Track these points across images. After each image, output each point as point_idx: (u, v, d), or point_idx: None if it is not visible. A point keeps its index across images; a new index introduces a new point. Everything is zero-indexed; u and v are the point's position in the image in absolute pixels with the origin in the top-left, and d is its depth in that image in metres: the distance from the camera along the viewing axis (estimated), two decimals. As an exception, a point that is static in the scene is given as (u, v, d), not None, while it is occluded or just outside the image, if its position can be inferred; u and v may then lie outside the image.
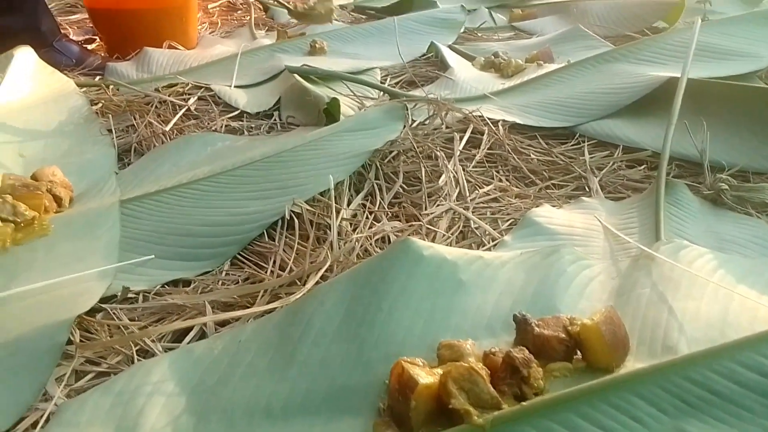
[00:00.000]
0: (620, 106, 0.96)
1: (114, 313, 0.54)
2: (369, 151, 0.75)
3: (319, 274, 0.57)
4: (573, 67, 1.10)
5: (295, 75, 1.01)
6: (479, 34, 1.58)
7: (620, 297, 0.50)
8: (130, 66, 1.22)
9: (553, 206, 0.72)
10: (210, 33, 1.67)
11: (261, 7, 1.90)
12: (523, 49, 1.37)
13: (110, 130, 0.93)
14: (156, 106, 0.99)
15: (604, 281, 0.52)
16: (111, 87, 1.08)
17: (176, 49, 1.36)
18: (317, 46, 1.29)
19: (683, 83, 0.82)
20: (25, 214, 0.66)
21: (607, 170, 0.84)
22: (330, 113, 0.86)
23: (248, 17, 1.86)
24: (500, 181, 0.81)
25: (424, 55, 1.34)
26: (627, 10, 1.47)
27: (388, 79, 1.23)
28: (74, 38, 1.51)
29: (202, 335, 0.52)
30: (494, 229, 0.67)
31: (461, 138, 0.89)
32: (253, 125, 0.97)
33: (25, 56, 1.05)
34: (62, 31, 1.36)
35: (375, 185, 0.76)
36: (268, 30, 1.68)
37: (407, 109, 0.88)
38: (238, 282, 0.60)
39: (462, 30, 1.51)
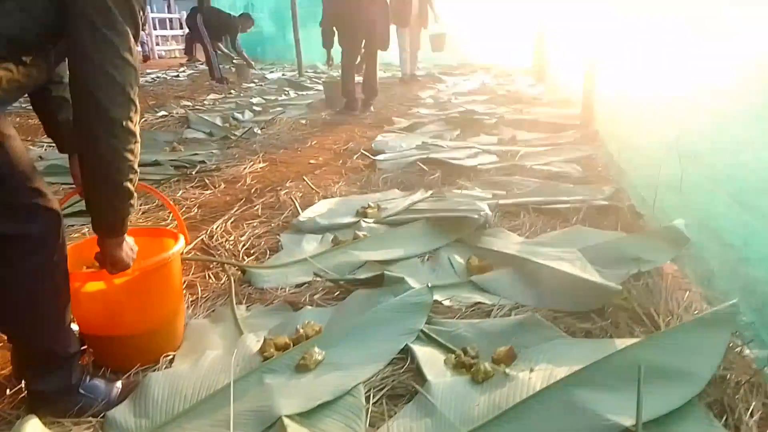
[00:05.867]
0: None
1: None
2: None
3: None
4: (537, 397, 1.24)
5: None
6: (446, 303, 1.72)
7: None
8: (128, 412, 1.28)
9: None
10: (192, 311, 1.76)
11: (238, 269, 2.03)
12: (486, 336, 1.52)
13: None
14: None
15: None
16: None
17: (168, 367, 1.46)
18: (304, 362, 1.40)
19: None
20: None
21: None
22: None
23: (225, 277, 1.99)
24: None
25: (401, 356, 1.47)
26: (574, 289, 1.66)
27: (372, 394, 1.33)
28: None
29: None
30: None
31: None
32: None
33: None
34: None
35: None
36: (249, 305, 1.80)
37: None
38: None
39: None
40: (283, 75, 8.55)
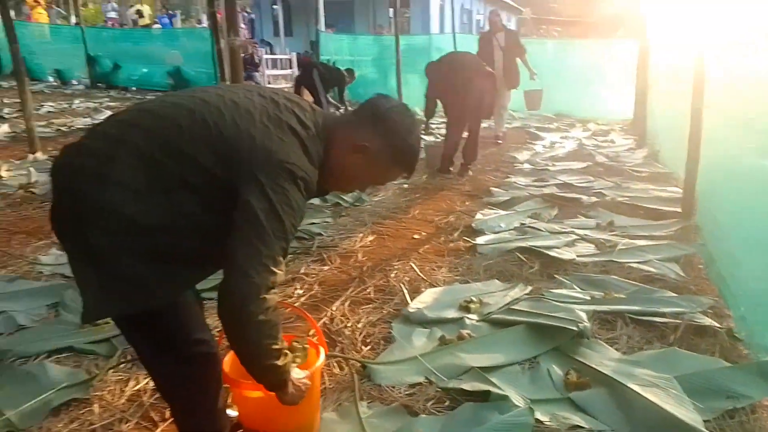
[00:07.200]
0: None
1: None
2: None
3: None
4: None
5: None
6: (546, 422, 1.92)
7: None
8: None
9: None
10: (323, 402, 2.06)
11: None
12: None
13: None
14: None
15: None
16: None
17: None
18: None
19: None
20: None
21: None
22: None
23: (346, 368, 2.29)
24: None
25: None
26: (665, 426, 1.81)
27: None
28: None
29: None
30: None
31: None
32: None
33: None
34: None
35: None
36: (370, 402, 2.08)
37: None
38: None
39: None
40: (384, 125, 9.04)
